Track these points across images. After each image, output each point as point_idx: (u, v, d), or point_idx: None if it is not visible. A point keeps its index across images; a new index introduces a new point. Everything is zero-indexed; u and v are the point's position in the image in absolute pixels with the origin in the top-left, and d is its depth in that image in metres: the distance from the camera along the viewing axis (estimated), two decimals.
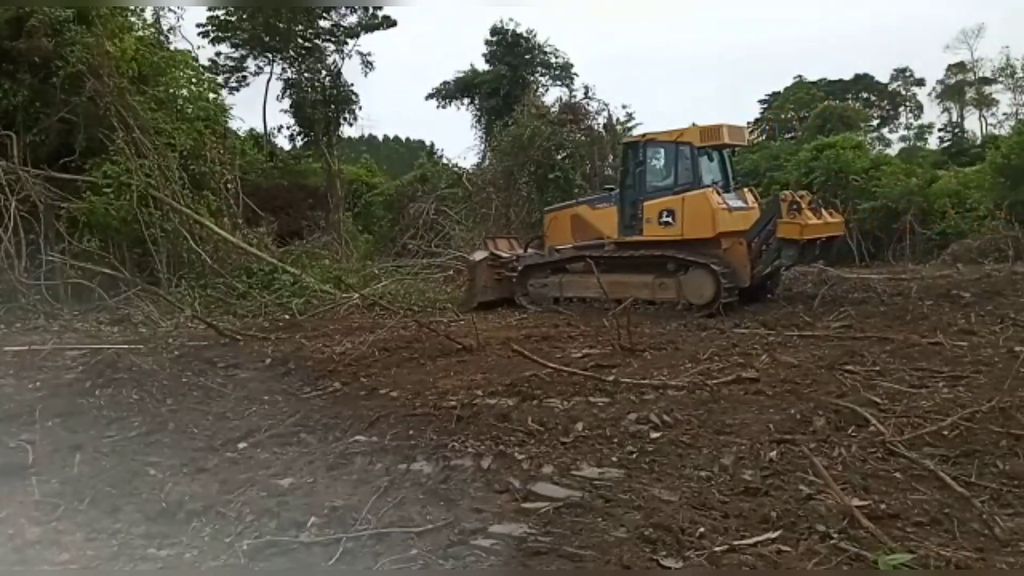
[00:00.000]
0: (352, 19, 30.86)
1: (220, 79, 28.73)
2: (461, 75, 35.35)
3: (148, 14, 18.57)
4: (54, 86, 14.07)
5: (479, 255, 13.49)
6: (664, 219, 11.48)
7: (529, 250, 13.81)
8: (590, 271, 11.58)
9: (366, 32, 31.25)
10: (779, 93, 55.28)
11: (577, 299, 12.17)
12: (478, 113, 34.70)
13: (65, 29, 14.24)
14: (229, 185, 17.26)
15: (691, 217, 11.24)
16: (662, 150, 12.00)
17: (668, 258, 11.38)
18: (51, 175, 14.12)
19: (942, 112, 57.41)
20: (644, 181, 12.00)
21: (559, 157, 20.90)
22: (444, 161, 30.97)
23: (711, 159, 11.94)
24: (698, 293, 11.03)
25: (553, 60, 34.79)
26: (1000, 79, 53.26)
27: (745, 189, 12.59)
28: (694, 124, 12.07)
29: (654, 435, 4.67)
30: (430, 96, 36.05)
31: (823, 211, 11.37)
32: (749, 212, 11.68)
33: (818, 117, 42.27)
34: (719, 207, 11.18)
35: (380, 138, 51.69)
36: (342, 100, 30.94)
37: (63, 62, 14.01)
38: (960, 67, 55.57)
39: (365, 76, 33.90)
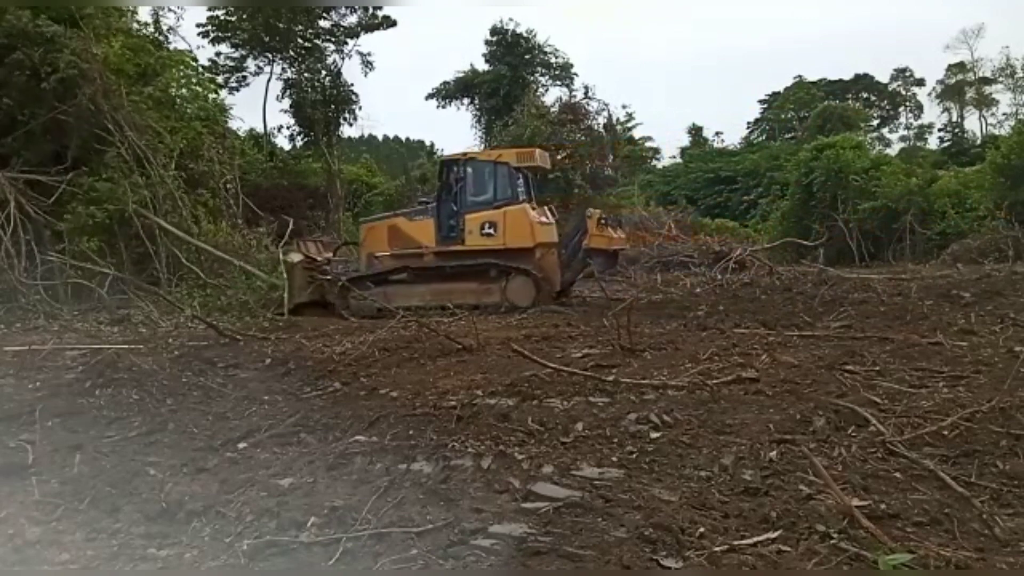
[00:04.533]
0: (352, 19, 30.98)
1: (220, 79, 28.80)
2: (461, 75, 35.40)
3: (146, 14, 18.60)
4: (45, 90, 14.00)
5: (295, 257, 13.80)
6: (486, 230, 12.71)
7: (337, 256, 14.72)
8: (412, 281, 12.77)
9: (366, 32, 31.34)
10: (779, 93, 55.41)
11: (403, 308, 12.41)
12: (478, 113, 34.77)
13: (54, 37, 14.12)
14: (229, 185, 17.27)
15: (512, 229, 12.61)
16: (482, 168, 13.17)
17: (491, 265, 12.58)
18: (39, 180, 14.04)
19: (942, 112, 57.64)
20: (464, 196, 13.01)
21: (559, 157, 20.92)
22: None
23: (519, 178, 13.28)
24: (521, 297, 12.44)
25: (553, 60, 34.88)
26: (1000, 79, 53.43)
27: (545, 207, 14.15)
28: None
29: (654, 435, 4.66)
30: (430, 96, 36.15)
31: (616, 228, 13.41)
32: (552, 226, 13.44)
33: (818, 117, 42.36)
34: (536, 220, 12.72)
35: (380, 138, 51.79)
36: (342, 100, 31.01)
37: (51, 68, 13.94)
38: (960, 67, 55.73)
39: (365, 76, 34.07)
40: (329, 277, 13.58)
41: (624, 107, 41.76)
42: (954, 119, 56.88)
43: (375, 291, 12.91)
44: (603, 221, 12.81)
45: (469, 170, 13.09)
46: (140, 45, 16.67)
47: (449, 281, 12.63)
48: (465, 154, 13.82)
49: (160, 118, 16.10)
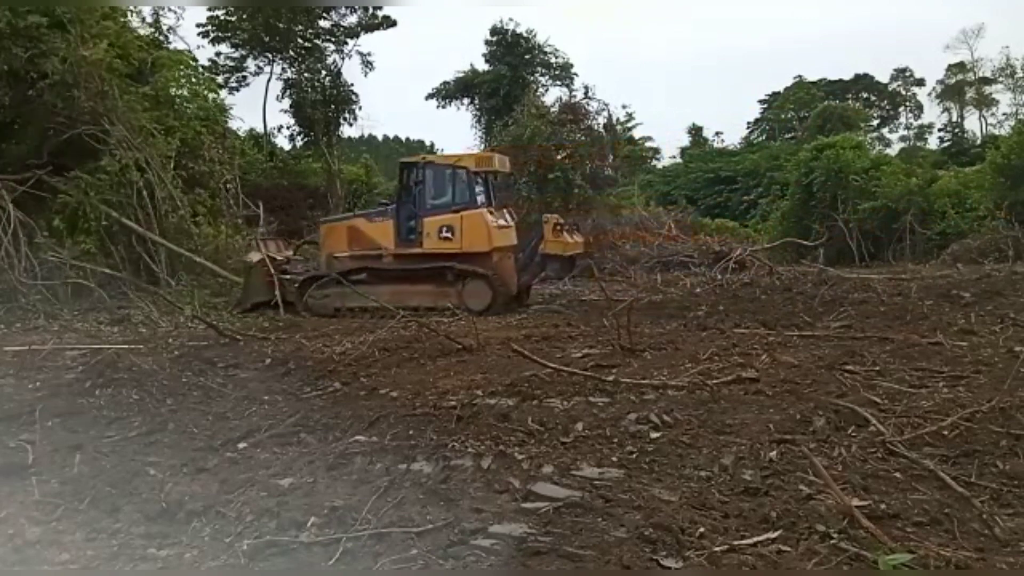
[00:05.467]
0: (352, 19, 30.97)
1: (220, 79, 28.77)
2: (461, 75, 35.36)
3: (146, 13, 18.53)
4: (32, 95, 13.89)
5: (255, 256, 13.91)
6: (444, 234, 12.75)
7: (298, 254, 14.78)
8: (371, 282, 12.73)
9: (366, 32, 31.35)
10: (779, 93, 55.35)
11: (359, 309, 12.57)
12: (478, 113, 34.73)
13: (41, 37, 13.94)
14: (229, 185, 17.25)
15: (469, 233, 12.62)
16: (440, 172, 13.17)
17: (448, 269, 12.68)
18: (37, 180, 13.97)
19: (942, 112, 57.52)
20: (423, 198, 13.05)
21: (559, 157, 20.87)
22: None
23: (478, 182, 13.35)
24: (478, 300, 12.45)
25: (553, 60, 34.84)
26: (1000, 79, 53.36)
27: (504, 209, 14.02)
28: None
29: (654, 435, 4.67)
30: (430, 96, 36.10)
31: (572, 233, 13.45)
32: (510, 229, 13.47)
33: (818, 117, 42.31)
34: (493, 225, 12.75)
35: (380, 138, 51.74)
36: (342, 100, 31.01)
37: (38, 74, 13.82)
38: (960, 67, 55.63)
39: (365, 76, 34.01)
40: (288, 276, 13.68)
41: (624, 107, 41.67)
42: (954, 119, 56.86)
43: (333, 290, 12.95)
44: (559, 227, 13.00)
45: (428, 173, 13.13)
46: (134, 44, 16.52)
47: (406, 283, 12.68)
48: (423, 157, 13.94)
49: (160, 117, 16.04)
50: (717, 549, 3.09)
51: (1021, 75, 51.46)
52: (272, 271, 13.47)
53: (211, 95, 20.48)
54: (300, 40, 30.65)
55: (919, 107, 59.18)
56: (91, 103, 14.12)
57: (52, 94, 13.90)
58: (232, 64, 31.16)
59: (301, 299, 13.14)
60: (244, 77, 31.38)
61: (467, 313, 11.72)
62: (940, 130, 56.69)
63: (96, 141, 14.28)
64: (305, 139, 31.73)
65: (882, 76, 58.55)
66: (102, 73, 14.37)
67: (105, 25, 15.33)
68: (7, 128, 14.15)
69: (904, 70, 58.86)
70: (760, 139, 54.18)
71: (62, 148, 14.29)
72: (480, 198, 13.21)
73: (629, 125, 37.64)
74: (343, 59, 31.44)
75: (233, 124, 23.25)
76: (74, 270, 13.09)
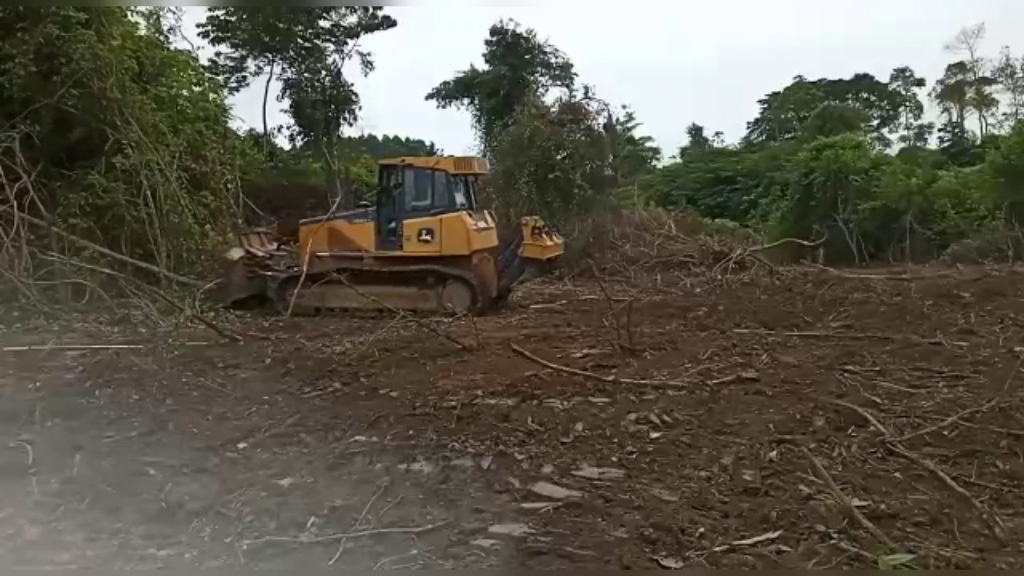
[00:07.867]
0: (352, 19, 30.93)
1: (220, 79, 28.72)
2: (461, 75, 35.36)
3: (143, 11, 18.50)
4: (59, 79, 13.78)
5: (236, 253, 13.93)
6: (424, 237, 12.73)
7: (282, 249, 14.75)
8: (351, 283, 12.35)
9: (366, 32, 31.31)
10: (779, 93, 55.36)
11: (339, 309, 12.60)
12: (478, 113, 34.71)
13: (69, 25, 13.92)
14: (229, 185, 17.23)
15: (449, 236, 12.58)
16: (420, 174, 13.13)
17: (429, 272, 12.68)
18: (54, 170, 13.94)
19: (942, 112, 57.40)
20: (403, 201, 13.07)
21: (559, 157, 20.85)
22: None
23: (458, 185, 13.28)
24: (457, 303, 12.36)
25: (553, 60, 34.80)
26: (1000, 79, 53.30)
27: (484, 211, 14.09)
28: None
29: (654, 435, 4.68)
30: (430, 96, 36.10)
31: (551, 235, 13.46)
32: (491, 231, 13.52)
33: (818, 117, 42.31)
34: (472, 228, 12.72)
35: (380, 138, 51.65)
36: (342, 100, 30.99)
37: (64, 59, 13.78)
38: (960, 67, 55.51)
39: (365, 76, 33.90)
40: (270, 273, 13.63)
41: (624, 107, 41.72)
42: (954, 119, 56.81)
43: (312, 291, 12.76)
44: (537, 230, 12.91)
45: (407, 176, 13.13)
46: (148, 43, 16.55)
47: (387, 285, 12.55)
48: (403, 160, 13.97)
49: (164, 118, 16.02)
50: (717, 549, 3.10)
51: (1021, 75, 51.43)
52: (255, 268, 13.49)
53: (211, 95, 20.48)
54: (300, 40, 30.62)
55: (919, 107, 59.09)
56: (111, 98, 14.02)
57: (76, 77, 13.72)
58: (232, 64, 31.12)
59: (281, 299, 13.08)
60: (244, 77, 31.33)
61: (454, 315, 11.56)
62: (940, 130, 56.65)
63: (104, 139, 14.22)
64: (305, 139, 31.72)
65: (882, 76, 58.47)
66: (121, 69, 14.30)
67: (109, 30, 15.28)
68: (17, 108, 13.93)
69: (904, 70, 58.77)
70: (760, 139, 54.22)
71: (72, 144, 14.20)
72: (460, 200, 13.18)
73: (629, 125, 37.68)
74: (343, 59, 31.44)
75: (233, 124, 23.21)
76: (73, 268, 13.05)
